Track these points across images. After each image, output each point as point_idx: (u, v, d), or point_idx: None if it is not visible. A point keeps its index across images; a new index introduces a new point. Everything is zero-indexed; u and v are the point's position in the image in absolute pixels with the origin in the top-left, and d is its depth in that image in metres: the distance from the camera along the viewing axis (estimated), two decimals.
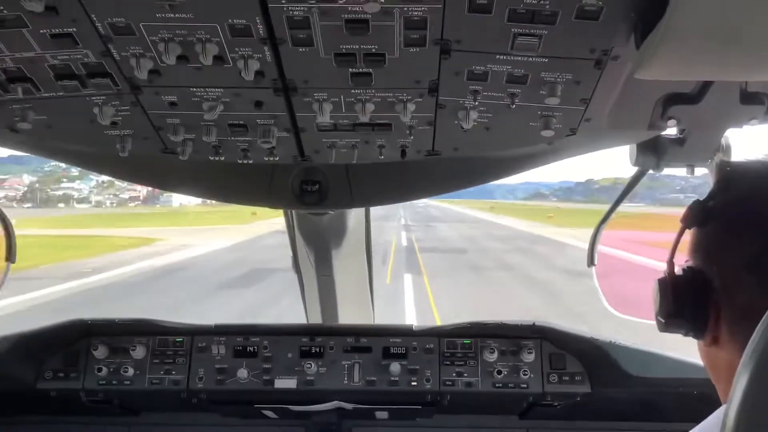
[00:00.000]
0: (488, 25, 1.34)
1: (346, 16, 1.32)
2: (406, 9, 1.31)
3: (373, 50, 1.44)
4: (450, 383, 2.96)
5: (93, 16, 1.33)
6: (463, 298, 17.68)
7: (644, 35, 1.22)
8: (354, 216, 2.99)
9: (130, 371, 2.98)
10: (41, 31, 1.38)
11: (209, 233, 45.29)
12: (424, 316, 14.84)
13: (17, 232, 2.54)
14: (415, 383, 2.96)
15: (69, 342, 3.04)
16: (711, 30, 1.08)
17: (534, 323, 3.02)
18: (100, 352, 2.99)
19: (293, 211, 2.91)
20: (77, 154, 2.09)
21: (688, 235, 1.33)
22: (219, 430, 3.26)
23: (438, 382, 2.96)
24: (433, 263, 26.25)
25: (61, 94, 1.61)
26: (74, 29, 1.37)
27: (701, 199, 1.30)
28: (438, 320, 13.47)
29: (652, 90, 1.72)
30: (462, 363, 2.98)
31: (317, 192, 2.26)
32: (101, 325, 3.06)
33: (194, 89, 1.61)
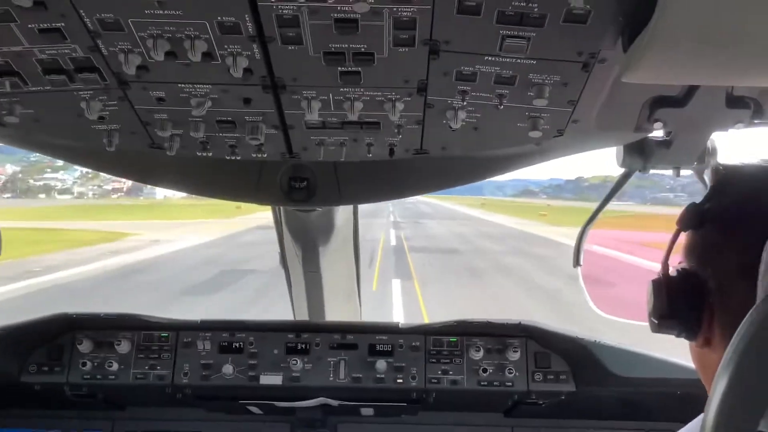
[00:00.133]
0: (477, 27, 1.35)
1: (335, 15, 1.32)
2: (395, 9, 1.31)
3: (362, 49, 1.44)
4: (436, 381, 2.98)
5: (81, 11, 1.33)
6: (462, 311, 15.40)
7: (631, 39, 1.24)
8: (342, 213, 2.97)
9: (115, 366, 2.98)
10: (29, 26, 1.37)
11: (188, 228, 44.03)
12: None
13: None
14: (401, 381, 2.97)
15: (53, 336, 3.04)
16: (697, 35, 1.09)
17: (520, 322, 3.03)
18: (85, 347, 2.99)
19: (281, 208, 2.89)
20: (64, 149, 2.08)
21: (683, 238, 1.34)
22: (204, 425, 3.23)
23: (424, 379, 2.98)
24: (424, 265, 24.52)
25: (48, 88, 1.60)
26: (62, 24, 1.37)
27: (697, 202, 1.32)
28: None
29: (639, 93, 1.73)
30: (448, 361, 3.00)
31: (305, 189, 2.27)
32: (86, 320, 3.06)
33: (182, 85, 1.61)
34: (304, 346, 3.02)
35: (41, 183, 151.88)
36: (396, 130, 1.80)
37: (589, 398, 3.03)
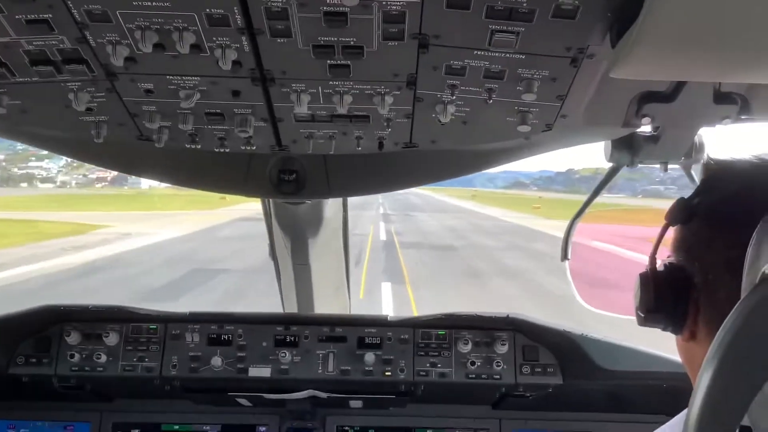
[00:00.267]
0: (466, 21, 1.35)
1: (324, 8, 1.32)
2: (384, 3, 1.31)
3: (352, 43, 1.44)
4: (424, 373, 2.98)
5: (69, 2, 1.32)
6: None
7: (620, 35, 1.24)
8: (331, 206, 2.98)
9: (103, 358, 2.97)
10: (17, 17, 1.37)
11: (167, 219, 41.52)
12: None
13: None
14: (389, 373, 2.99)
15: (41, 327, 3.03)
16: (685, 31, 1.09)
17: (508, 315, 3.03)
18: (73, 338, 2.98)
19: (270, 200, 2.90)
20: (52, 140, 2.07)
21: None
22: (193, 417, 3.23)
23: (412, 372, 2.99)
24: (416, 264, 22.58)
25: (36, 79, 1.60)
26: (50, 15, 1.36)
27: (686, 197, 1.33)
28: None
29: (628, 88, 1.75)
30: (436, 354, 3.01)
31: (294, 181, 2.27)
32: (74, 311, 3.05)
33: (171, 77, 1.61)
34: (292, 338, 3.02)
35: (24, 172, 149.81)
36: (385, 124, 1.80)
37: (577, 391, 3.05)
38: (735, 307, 0.86)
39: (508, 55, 1.44)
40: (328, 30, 1.37)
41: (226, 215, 41.91)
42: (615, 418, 3.16)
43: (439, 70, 1.53)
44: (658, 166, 2.15)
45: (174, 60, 1.49)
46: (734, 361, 0.83)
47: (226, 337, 2.99)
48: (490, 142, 1.92)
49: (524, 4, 1.27)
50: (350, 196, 2.79)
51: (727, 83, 1.72)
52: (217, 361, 2.93)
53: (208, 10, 1.32)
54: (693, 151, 2.04)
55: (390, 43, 1.43)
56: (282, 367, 2.95)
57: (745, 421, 0.85)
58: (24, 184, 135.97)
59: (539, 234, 36.08)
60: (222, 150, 1.93)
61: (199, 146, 1.91)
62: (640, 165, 2.16)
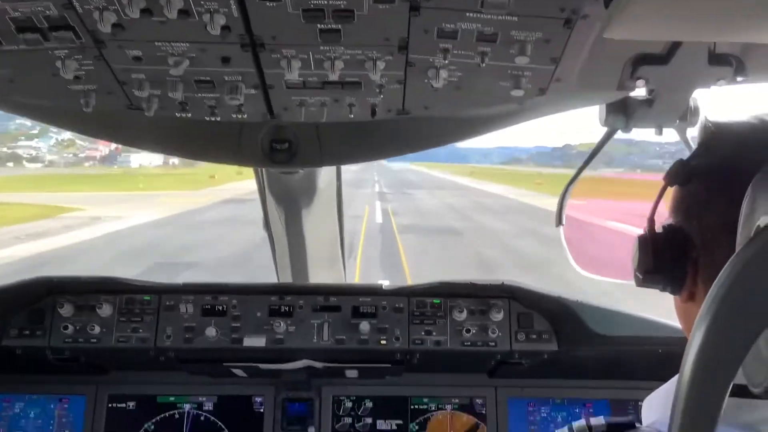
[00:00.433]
0: None
1: None
2: None
3: (342, 6, 1.41)
4: (419, 342, 2.97)
5: None
6: None
7: None
8: (324, 175, 2.95)
9: (97, 329, 2.95)
10: None
11: (147, 200, 38.75)
12: None
13: None
14: (384, 342, 2.97)
15: (34, 299, 3.01)
16: None
17: (503, 282, 3.02)
18: (66, 310, 2.95)
19: (264, 170, 2.86)
20: (41, 109, 2.05)
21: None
22: (188, 388, 3.22)
23: (407, 340, 2.97)
24: (418, 255, 19.96)
25: (22, 47, 1.57)
26: None
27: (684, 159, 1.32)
28: None
29: (622, 50, 1.73)
30: (431, 322, 2.99)
31: (287, 150, 2.25)
32: (67, 283, 3.02)
33: (159, 44, 1.57)
34: (287, 308, 3.00)
35: (12, 152, 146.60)
36: (377, 90, 1.79)
37: (572, 357, 3.04)
38: (729, 261, 0.85)
39: (500, 17, 1.42)
40: None
41: (211, 196, 39.06)
42: (611, 384, 3.19)
43: (431, 34, 1.51)
44: (655, 136, 2.16)
45: (162, 26, 1.46)
46: (728, 315, 0.82)
47: (221, 307, 2.98)
48: (483, 107, 1.93)
49: None
50: (343, 164, 2.74)
51: (721, 44, 1.71)
52: (211, 331, 2.91)
53: None
54: (688, 114, 2.04)
55: (381, 6, 1.40)
56: (277, 336, 2.94)
57: (740, 380, 0.83)
58: (10, 164, 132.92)
59: (548, 213, 33.44)
60: (213, 119, 1.91)
61: (189, 115, 1.89)
62: (634, 130, 2.15)
